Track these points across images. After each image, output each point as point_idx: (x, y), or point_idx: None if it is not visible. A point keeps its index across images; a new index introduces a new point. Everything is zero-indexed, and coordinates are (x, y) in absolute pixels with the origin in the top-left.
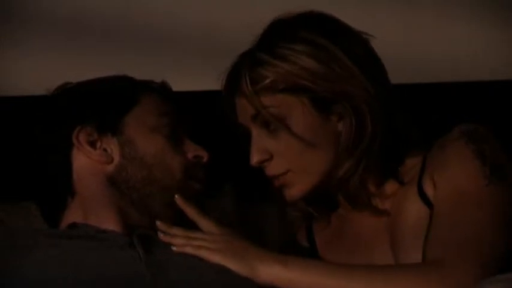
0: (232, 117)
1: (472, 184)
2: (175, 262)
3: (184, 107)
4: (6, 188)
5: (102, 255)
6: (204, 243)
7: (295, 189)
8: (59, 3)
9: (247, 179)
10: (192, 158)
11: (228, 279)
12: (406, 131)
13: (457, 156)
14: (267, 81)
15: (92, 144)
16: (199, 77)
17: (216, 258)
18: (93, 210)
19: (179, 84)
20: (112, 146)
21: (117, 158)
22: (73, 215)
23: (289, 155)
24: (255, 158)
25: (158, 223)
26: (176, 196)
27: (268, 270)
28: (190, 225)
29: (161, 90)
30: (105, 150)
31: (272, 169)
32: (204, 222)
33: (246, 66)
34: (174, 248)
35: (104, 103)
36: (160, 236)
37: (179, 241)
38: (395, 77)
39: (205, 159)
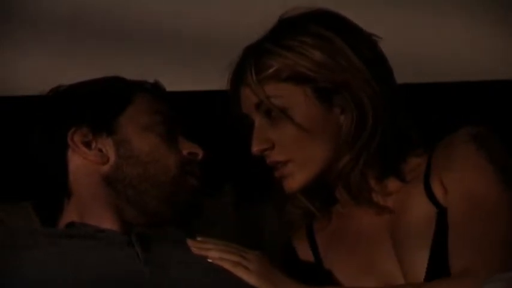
0: (236, 110)
1: (489, 190)
2: (174, 260)
3: (184, 107)
4: (6, 188)
5: (102, 255)
6: (241, 261)
7: (295, 181)
8: (58, 4)
9: (247, 179)
10: (187, 155)
11: (227, 278)
12: (408, 131)
13: (470, 161)
14: (271, 70)
15: (87, 144)
16: (200, 77)
17: (252, 279)
18: (90, 210)
19: (179, 84)
20: (107, 146)
21: (112, 158)
22: (70, 215)
23: (290, 145)
24: (256, 147)
25: (190, 241)
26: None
27: None
28: (186, 222)
29: (154, 89)
30: (100, 150)
31: (273, 157)
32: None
33: (251, 56)
34: (209, 260)
35: (97, 104)
36: (194, 249)
37: (215, 254)
38: (395, 76)
39: (200, 156)
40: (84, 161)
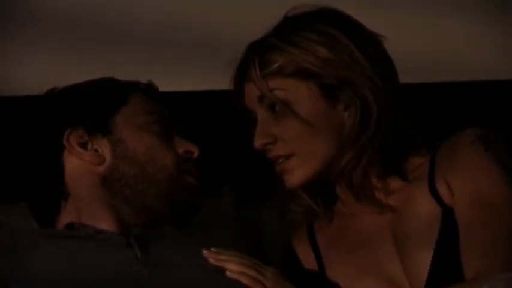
0: (240, 106)
1: (497, 191)
2: (172, 262)
3: (183, 107)
4: (6, 188)
5: (101, 256)
6: (260, 277)
7: (296, 176)
8: (58, 4)
9: (247, 179)
10: (183, 154)
11: (225, 279)
12: (410, 130)
13: (476, 162)
14: (276, 65)
15: (83, 145)
16: (200, 77)
17: None
18: (88, 211)
19: (179, 84)
20: (103, 146)
21: (108, 158)
22: (68, 216)
23: (292, 139)
24: (259, 141)
25: (205, 251)
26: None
27: None
28: (183, 220)
29: (148, 90)
30: (96, 151)
31: (275, 151)
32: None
33: (256, 52)
34: (227, 273)
35: (92, 104)
36: (210, 259)
37: (234, 268)
38: None
39: (196, 155)
40: (81, 162)
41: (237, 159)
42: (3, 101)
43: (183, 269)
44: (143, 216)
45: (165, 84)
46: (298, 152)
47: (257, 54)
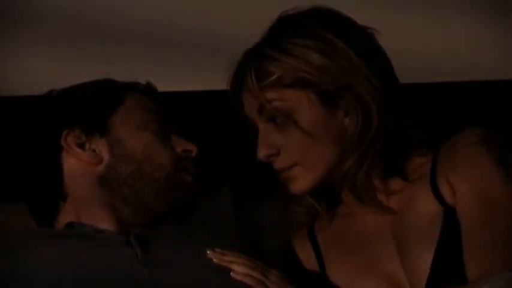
0: (239, 112)
1: (499, 191)
2: (172, 261)
3: (183, 107)
4: (6, 188)
5: (101, 255)
6: (264, 280)
7: (301, 183)
8: (58, 4)
9: (247, 179)
10: (181, 152)
11: (225, 279)
12: (410, 130)
13: (478, 162)
14: (274, 77)
15: (81, 146)
16: (200, 77)
17: None
18: (86, 210)
19: (179, 84)
20: (101, 146)
21: (106, 158)
22: (67, 216)
23: (295, 149)
24: (262, 153)
25: (209, 252)
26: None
27: None
28: (182, 218)
29: (146, 90)
30: (94, 151)
31: (279, 163)
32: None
33: (252, 61)
34: (232, 274)
35: (89, 105)
36: (215, 260)
37: (240, 269)
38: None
39: (194, 153)
40: (79, 162)
41: (237, 159)
42: (3, 101)
43: (183, 269)
44: (142, 216)
45: (165, 84)
46: (301, 161)
47: (253, 65)
